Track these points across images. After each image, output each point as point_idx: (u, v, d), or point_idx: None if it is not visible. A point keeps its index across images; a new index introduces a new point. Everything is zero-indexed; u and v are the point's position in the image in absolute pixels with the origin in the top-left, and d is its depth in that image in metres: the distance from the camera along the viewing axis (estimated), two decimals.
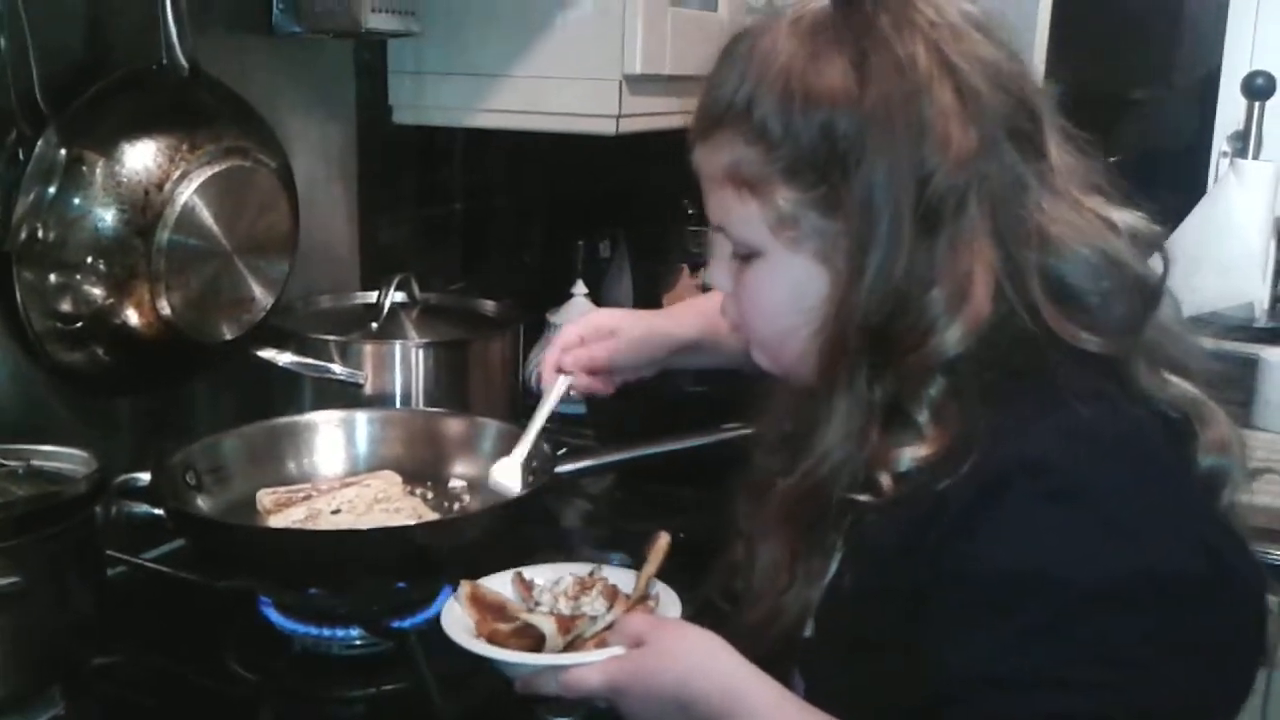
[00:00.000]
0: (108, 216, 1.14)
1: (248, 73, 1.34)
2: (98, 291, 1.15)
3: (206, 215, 1.20)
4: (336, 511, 1.15)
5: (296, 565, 1.04)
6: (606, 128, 1.45)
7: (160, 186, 1.17)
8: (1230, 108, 2.34)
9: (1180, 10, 2.51)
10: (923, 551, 0.73)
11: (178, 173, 1.18)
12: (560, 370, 1.17)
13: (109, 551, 1.06)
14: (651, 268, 2.10)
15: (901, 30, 0.77)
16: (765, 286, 0.85)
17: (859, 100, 0.76)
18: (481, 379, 1.48)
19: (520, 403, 1.64)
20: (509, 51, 1.48)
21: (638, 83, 1.44)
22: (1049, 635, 0.68)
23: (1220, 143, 2.37)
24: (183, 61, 1.17)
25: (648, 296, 2.10)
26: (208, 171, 1.19)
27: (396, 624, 1.06)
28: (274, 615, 1.09)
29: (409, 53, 1.55)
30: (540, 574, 0.98)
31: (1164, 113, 2.60)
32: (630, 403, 1.61)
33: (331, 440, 1.28)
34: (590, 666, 0.83)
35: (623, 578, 0.96)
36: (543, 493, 1.16)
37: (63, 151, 1.11)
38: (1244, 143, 2.30)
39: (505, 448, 1.23)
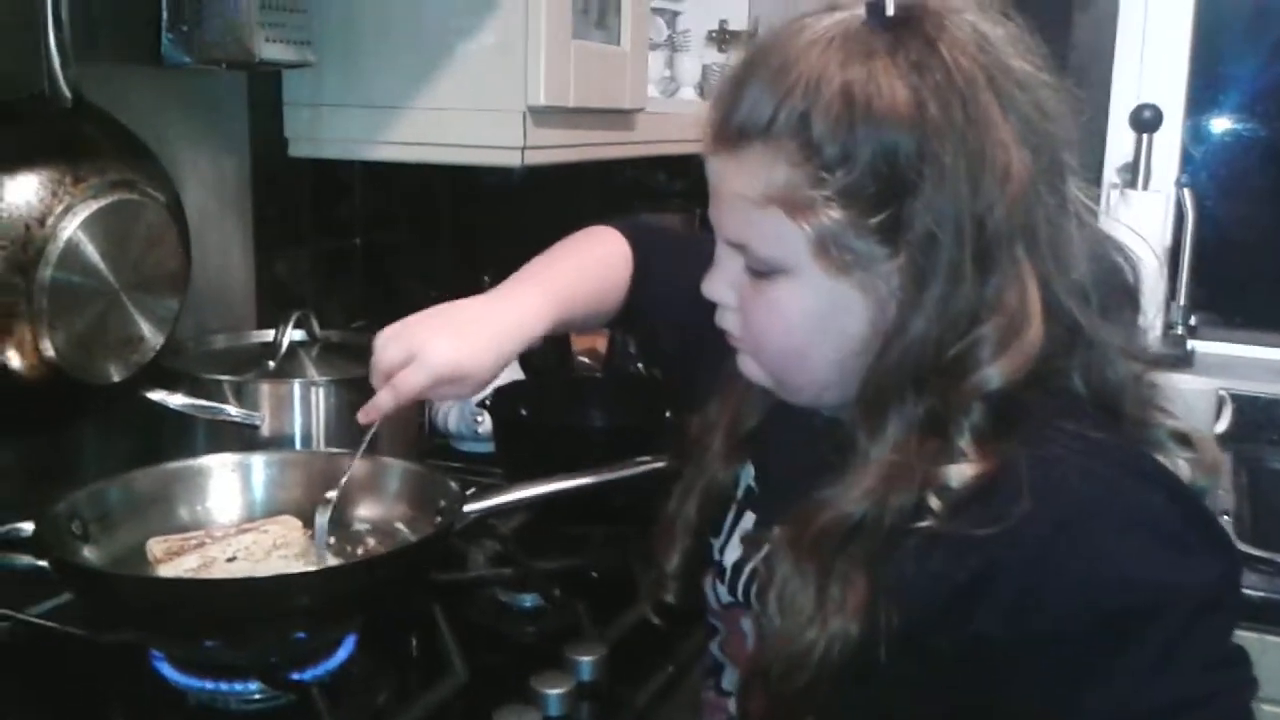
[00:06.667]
0: None
1: (135, 104, 1.29)
2: None
3: (92, 251, 1.15)
4: (232, 559, 1.11)
5: (190, 617, 0.99)
6: (511, 159, 1.43)
7: (42, 222, 1.12)
8: (1119, 140, 2.41)
9: (1068, 45, 2.57)
10: (989, 598, 0.74)
11: (61, 207, 1.13)
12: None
13: None
14: None
15: (952, 50, 0.75)
16: (790, 305, 0.81)
17: (920, 122, 0.74)
18: (386, 418, 1.43)
19: (426, 442, 1.61)
20: (408, 82, 1.46)
21: (542, 114, 1.43)
22: (1174, 656, 0.70)
23: (1110, 175, 2.44)
24: (66, 92, 1.13)
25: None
26: (93, 206, 1.15)
27: (297, 676, 1.02)
28: (167, 669, 1.04)
29: (305, 84, 1.51)
30: None
31: None
32: (539, 439, 1.59)
33: (226, 485, 1.22)
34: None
35: None
36: (450, 533, 1.13)
37: None
38: (1133, 174, 2.37)
39: (411, 488, 1.20)
